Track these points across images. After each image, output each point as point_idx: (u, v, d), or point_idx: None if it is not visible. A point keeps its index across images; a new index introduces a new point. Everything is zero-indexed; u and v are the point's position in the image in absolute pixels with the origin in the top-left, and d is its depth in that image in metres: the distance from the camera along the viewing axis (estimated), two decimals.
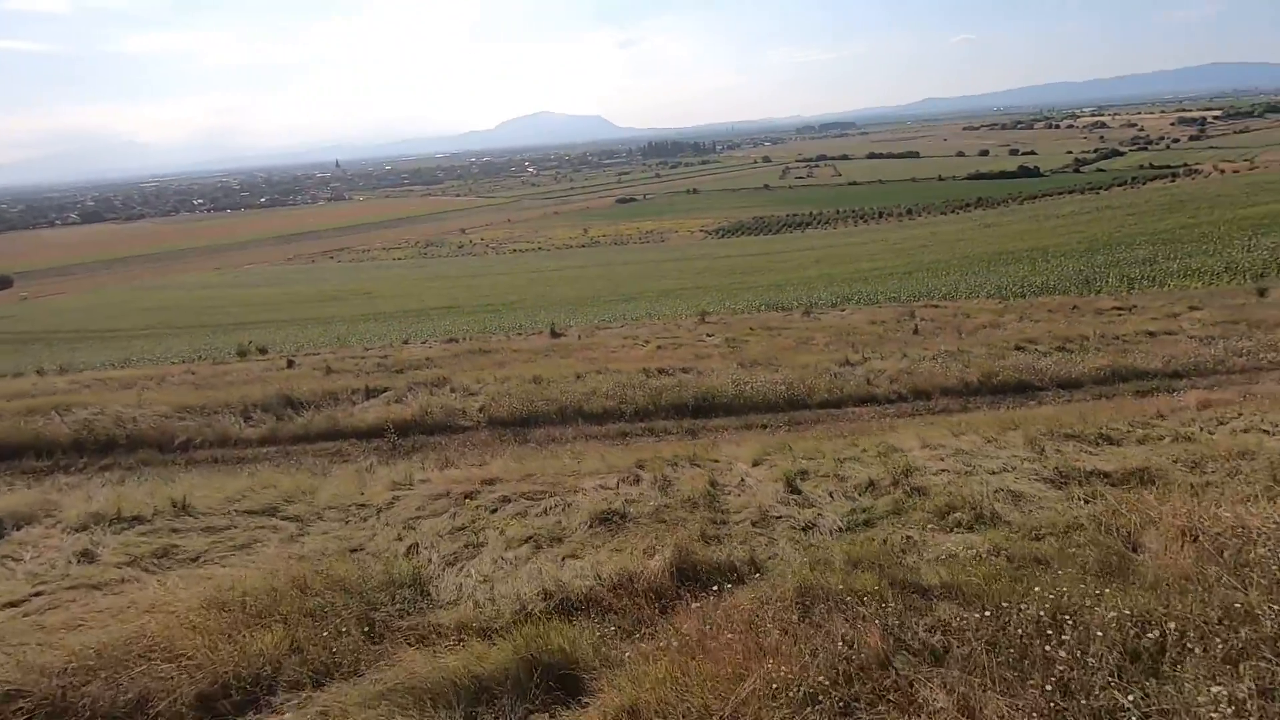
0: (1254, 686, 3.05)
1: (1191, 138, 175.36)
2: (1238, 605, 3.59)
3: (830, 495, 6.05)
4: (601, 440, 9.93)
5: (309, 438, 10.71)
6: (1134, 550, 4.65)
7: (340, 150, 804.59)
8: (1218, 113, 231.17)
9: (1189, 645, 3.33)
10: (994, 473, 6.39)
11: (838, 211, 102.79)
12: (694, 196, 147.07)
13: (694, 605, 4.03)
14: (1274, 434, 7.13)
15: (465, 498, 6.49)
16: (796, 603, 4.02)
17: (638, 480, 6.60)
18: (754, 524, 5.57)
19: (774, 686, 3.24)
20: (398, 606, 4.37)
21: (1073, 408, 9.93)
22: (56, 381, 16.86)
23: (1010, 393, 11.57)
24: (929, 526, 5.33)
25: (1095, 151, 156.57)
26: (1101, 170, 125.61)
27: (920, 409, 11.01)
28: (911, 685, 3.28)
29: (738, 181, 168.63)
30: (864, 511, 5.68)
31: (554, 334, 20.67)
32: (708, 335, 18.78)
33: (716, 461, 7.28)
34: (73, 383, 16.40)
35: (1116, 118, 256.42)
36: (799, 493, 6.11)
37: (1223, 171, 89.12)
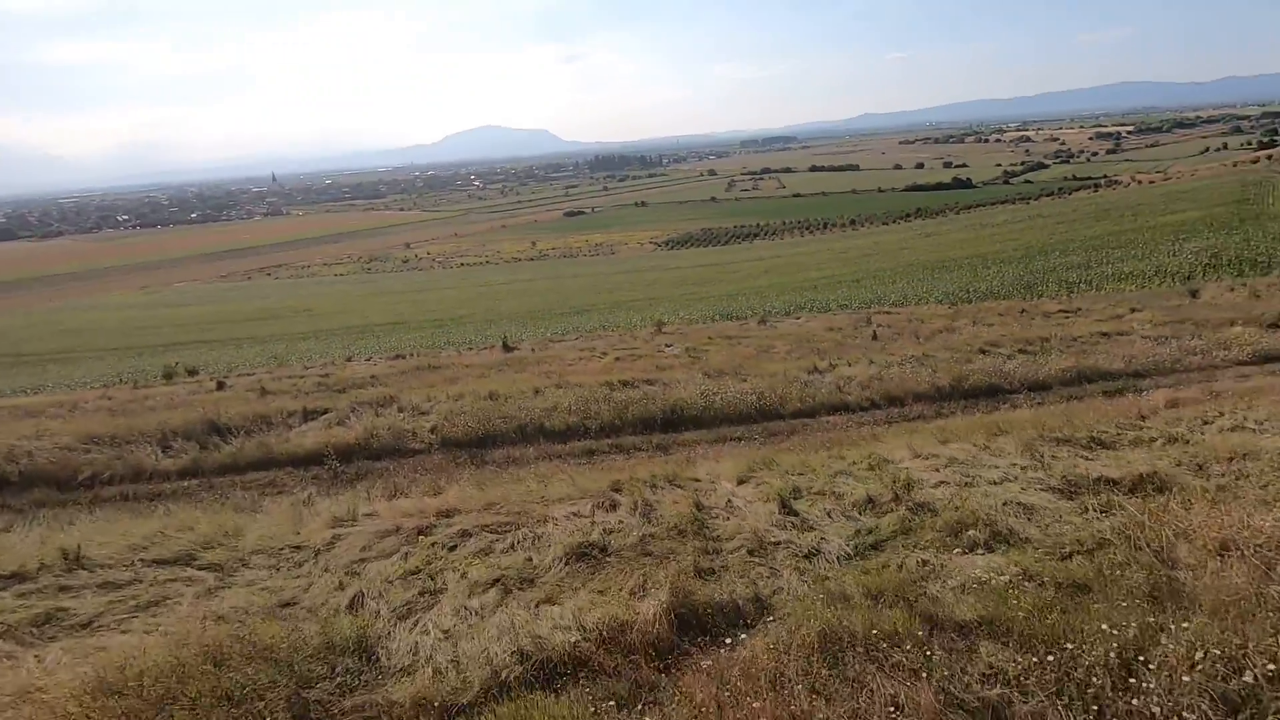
0: None
1: (1109, 151, 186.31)
2: None
3: (829, 515, 5.49)
4: (566, 459, 9.21)
5: (238, 468, 9.66)
6: (1171, 567, 4.24)
7: (278, 165, 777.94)
8: (1130, 128, 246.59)
9: None
10: (995, 483, 5.97)
11: (784, 223, 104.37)
12: (642, 209, 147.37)
13: (704, 662, 3.37)
14: (1264, 432, 6.96)
15: (418, 534, 5.68)
16: (821, 651, 3.42)
17: (614, 506, 5.92)
18: (750, 552, 4.96)
19: None
20: (338, 680, 3.57)
21: (1049, 410, 9.74)
22: None
23: (981, 396, 11.45)
24: (942, 547, 4.82)
25: (1023, 164, 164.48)
26: (1029, 181, 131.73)
27: (895, 415, 10.74)
28: None
29: (684, 194, 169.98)
30: (869, 533, 5.14)
31: (506, 348, 19.79)
32: (666, 345, 18.24)
33: (698, 480, 6.65)
34: None
35: (1040, 132, 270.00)
36: (794, 514, 5.53)
37: (1140, 182, 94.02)
